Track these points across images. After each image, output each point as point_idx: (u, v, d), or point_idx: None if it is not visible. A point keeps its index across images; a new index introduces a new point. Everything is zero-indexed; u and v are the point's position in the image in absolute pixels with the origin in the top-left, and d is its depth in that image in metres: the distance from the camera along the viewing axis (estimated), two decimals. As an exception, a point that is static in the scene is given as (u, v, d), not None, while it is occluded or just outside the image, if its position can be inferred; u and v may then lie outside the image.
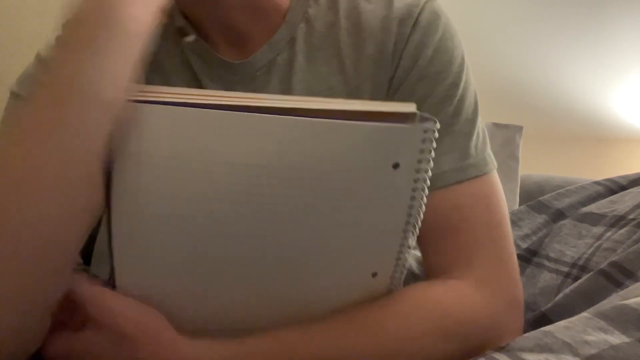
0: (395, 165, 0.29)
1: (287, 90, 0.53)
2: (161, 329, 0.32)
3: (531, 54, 2.47)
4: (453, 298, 0.45)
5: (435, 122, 0.27)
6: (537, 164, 2.21)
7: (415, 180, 0.30)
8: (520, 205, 1.21)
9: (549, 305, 0.51)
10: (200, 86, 0.55)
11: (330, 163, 0.27)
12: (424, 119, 0.28)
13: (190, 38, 0.52)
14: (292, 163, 0.26)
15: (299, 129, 0.25)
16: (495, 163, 0.53)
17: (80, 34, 0.36)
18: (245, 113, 0.25)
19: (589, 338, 0.30)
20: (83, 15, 0.37)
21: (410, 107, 0.27)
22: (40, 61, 0.55)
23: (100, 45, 0.35)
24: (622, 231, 0.53)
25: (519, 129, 1.34)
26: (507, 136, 1.31)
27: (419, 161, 0.30)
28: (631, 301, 0.32)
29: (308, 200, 0.28)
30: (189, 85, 0.55)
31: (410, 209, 0.32)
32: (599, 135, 3.06)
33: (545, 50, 2.45)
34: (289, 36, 0.54)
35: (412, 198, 0.31)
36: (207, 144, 0.26)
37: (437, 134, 0.28)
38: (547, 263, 0.61)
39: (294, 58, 0.54)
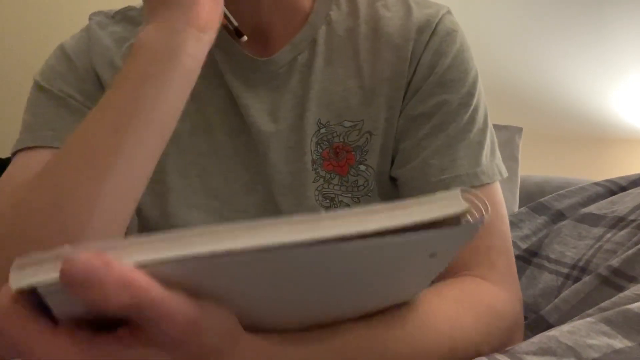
0: (433, 255, 0.28)
1: (305, 89, 0.55)
2: (238, 332, 0.28)
3: (531, 54, 2.48)
4: (487, 294, 0.45)
5: (488, 211, 0.26)
6: (536, 165, 2.21)
7: (452, 257, 0.30)
8: (520, 206, 1.21)
9: (548, 307, 0.51)
10: (222, 81, 0.56)
11: (377, 267, 0.28)
12: (475, 218, 0.26)
13: (244, 39, 0.53)
14: (345, 272, 0.27)
15: (358, 251, 0.25)
16: (503, 172, 0.54)
17: (142, 68, 0.42)
18: (310, 247, 0.23)
19: (592, 342, 0.30)
20: (147, 51, 0.42)
21: (460, 205, 0.25)
22: (64, 54, 0.56)
23: (159, 78, 0.41)
24: (622, 233, 0.53)
25: (519, 129, 1.34)
26: (507, 137, 1.31)
27: (460, 247, 0.29)
28: (634, 305, 0.32)
29: (348, 286, 0.29)
30: (209, 78, 0.56)
31: (442, 267, 0.32)
32: (599, 135, 3.07)
33: (545, 51, 2.45)
34: (310, 37, 0.56)
35: (445, 264, 0.31)
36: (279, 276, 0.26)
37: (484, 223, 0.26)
38: (547, 264, 0.61)
39: (313, 59, 0.56)
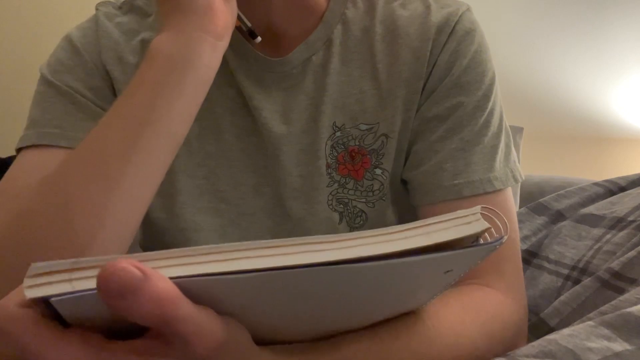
0: (448, 271, 0.28)
1: (320, 90, 0.54)
2: (250, 347, 0.29)
3: (531, 54, 2.48)
4: (493, 303, 0.45)
5: (507, 231, 0.25)
6: (537, 165, 2.21)
7: (466, 271, 0.30)
8: (520, 206, 1.21)
9: (548, 310, 0.51)
10: (234, 81, 0.55)
11: (393, 284, 0.28)
12: (494, 239, 0.26)
13: (258, 40, 0.52)
14: (367, 288, 0.27)
15: (377, 271, 0.25)
16: (517, 177, 0.53)
17: (157, 77, 0.41)
18: (337, 266, 0.23)
19: (592, 345, 0.30)
20: (162, 59, 0.42)
21: (480, 225, 0.25)
22: (72, 46, 0.54)
23: (173, 88, 0.41)
24: (621, 233, 0.53)
25: (520, 129, 1.34)
26: (507, 137, 1.31)
27: (475, 264, 0.29)
28: (634, 309, 0.32)
29: (364, 297, 0.29)
30: (219, 79, 0.54)
31: (454, 281, 0.32)
32: (599, 135, 3.07)
33: (546, 51, 2.45)
34: (325, 37, 0.55)
35: (458, 278, 0.31)
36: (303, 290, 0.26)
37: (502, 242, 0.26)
38: (547, 265, 0.61)
39: (329, 60, 0.54)
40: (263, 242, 0.23)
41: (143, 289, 0.21)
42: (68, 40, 0.55)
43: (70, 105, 0.51)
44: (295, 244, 0.23)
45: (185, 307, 0.23)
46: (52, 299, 0.21)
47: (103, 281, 0.21)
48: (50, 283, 0.21)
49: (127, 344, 0.25)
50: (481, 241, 0.26)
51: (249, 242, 0.23)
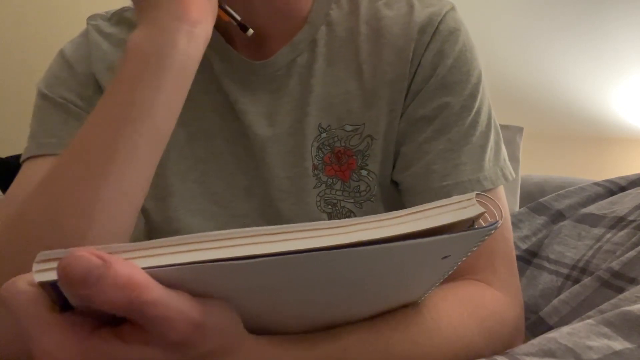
0: (445, 257, 0.28)
1: (305, 91, 0.54)
2: (241, 334, 0.29)
3: (531, 54, 2.48)
4: (490, 299, 0.45)
5: (502, 216, 0.26)
6: (537, 165, 2.22)
7: (463, 259, 0.31)
8: (520, 205, 1.21)
9: (547, 309, 0.51)
10: (219, 86, 0.55)
11: (391, 269, 0.28)
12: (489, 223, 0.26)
13: (250, 32, 0.50)
14: (363, 273, 0.28)
15: (376, 255, 0.25)
16: (508, 175, 0.53)
17: (135, 71, 0.40)
18: (338, 250, 0.24)
19: (592, 344, 0.30)
20: (138, 53, 0.41)
21: (475, 209, 0.26)
22: (64, 60, 0.56)
23: (151, 81, 0.40)
24: (621, 233, 0.53)
25: (520, 129, 1.34)
26: (508, 137, 1.32)
27: (471, 250, 0.29)
28: (634, 307, 0.32)
29: (363, 283, 0.30)
30: (206, 84, 0.54)
31: (451, 269, 0.32)
32: (599, 135, 3.07)
33: (545, 51, 2.45)
34: (310, 38, 0.54)
35: (455, 265, 0.31)
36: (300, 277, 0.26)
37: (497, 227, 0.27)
38: (547, 264, 0.61)
39: (314, 61, 0.54)
40: (249, 230, 0.24)
41: (105, 275, 0.22)
42: (61, 55, 0.57)
43: (65, 116, 0.53)
44: (287, 231, 0.24)
45: (154, 292, 0.23)
46: (57, 283, 0.22)
47: (62, 271, 0.21)
48: (55, 269, 0.22)
49: (114, 330, 0.25)
50: (476, 226, 0.27)
51: (237, 229, 0.23)
